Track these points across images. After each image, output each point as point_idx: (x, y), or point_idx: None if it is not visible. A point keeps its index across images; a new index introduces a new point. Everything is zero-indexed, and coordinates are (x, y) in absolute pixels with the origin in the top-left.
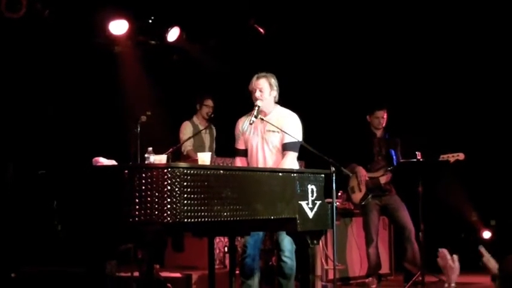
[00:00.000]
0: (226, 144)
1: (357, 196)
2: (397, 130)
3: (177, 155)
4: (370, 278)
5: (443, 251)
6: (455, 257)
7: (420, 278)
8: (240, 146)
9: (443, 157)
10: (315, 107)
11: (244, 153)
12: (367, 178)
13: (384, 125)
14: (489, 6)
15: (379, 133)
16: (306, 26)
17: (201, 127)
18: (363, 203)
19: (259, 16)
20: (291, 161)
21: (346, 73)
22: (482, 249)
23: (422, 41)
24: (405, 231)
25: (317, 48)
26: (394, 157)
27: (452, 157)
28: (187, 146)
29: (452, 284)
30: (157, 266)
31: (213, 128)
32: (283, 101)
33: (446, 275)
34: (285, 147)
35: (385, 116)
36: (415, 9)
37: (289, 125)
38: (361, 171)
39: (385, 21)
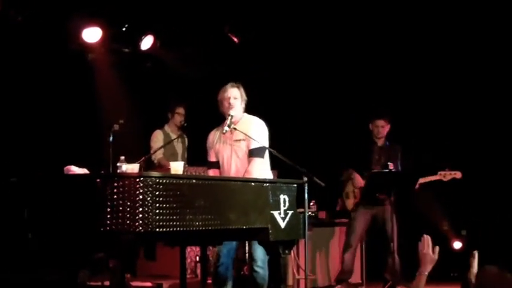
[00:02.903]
0: (199, 153)
1: (351, 202)
2: (398, 141)
3: (149, 164)
4: (339, 286)
5: (428, 238)
6: (437, 248)
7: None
8: (212, 158)
9: (441, 173)
10: (317, 111)
11: (216, 165)
12: (362, 186)
13: (384, 134)
14: (490, 23)
15: (380, 142)
16: (302, 29)
17: (173, 136)
18: (356, 210)
19: (235, 23)
20: (257, 167)
21: (354, 79)
22: (475, 258)
23: (420, 54)
24: (389, 245)
25: (325, 56)
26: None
27: (449, 175)
28: (158, 154)
29: (426, 273)
30: (129, 275)
31: (185, 137)
32: (280, 108)
33: (423, 263)
34: (250, 154)
35: (384, 126)
36: (417, 20)
37: (253, 130)
38: (358, 179)
39: (389, 32)
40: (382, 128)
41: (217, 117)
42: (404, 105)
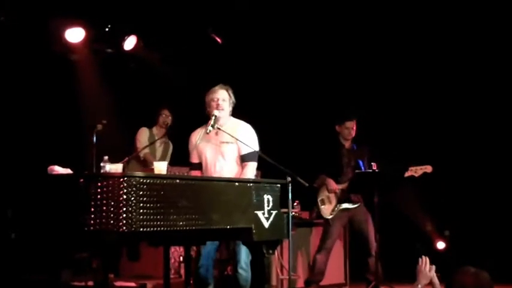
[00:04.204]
0: (182, 153)
1: (327, 208)
2: (363, 141)
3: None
4: None
5: (426, 259)
6: (433, 267)
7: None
8: (194, 159)
9: (412, 169)
10: (282, 118)
11: (198, 166)
12: (337, 190)
13: (353, 135)
14: (454, 19)
15: (347, 144)
16: (271, 34)
17: (157, 137)
18: (333, 215)
19: (217, 25)
20: (252, 172)
21: (314, 83)
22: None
23: (389, 52)
24: (368, 245)
25: (287, 58)
26: (362, 168)
27: (420, 170)
28: (145, 149)
29: (419, 286)
30: (112, 275)
31: (170, 144)
32: (248, 112)
33: (419, 279)
34: (244, 159)
35: (354, 127)
36: (385, 19)
37: (245, 135)
38: (331, 184)
39: (353, 34)
40: (352, 130)
41: (202, 116)
42: (367, 105)
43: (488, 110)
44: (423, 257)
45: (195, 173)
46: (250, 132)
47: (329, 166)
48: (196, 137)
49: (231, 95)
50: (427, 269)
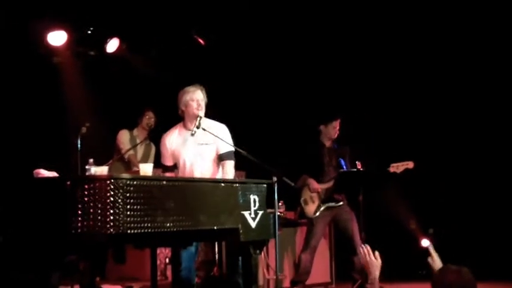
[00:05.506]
0: None
1: (310, 208)
2: (343, 139)
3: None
4: None
5: (366, 247)
6: (377, 252)
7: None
8: (168, 162)
9: (393, 165)
10: (264, 119)
11: (172, 168)
12: (319, 190)
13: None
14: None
15: (328, 143)
16: (254, 35)
17: (138, 139)
18: (316, 215)
19: (200, 27)
20: (232, 169)
21: (295, 83)
22: (431, 248)
23: (369, 51)
24: (352, 244)
25: (269, 60)
26: (344, 166)
27: (402, 166)
28: (129, 151)
29: (376, 279)
30: (98, 278)
31: (152, 145)
32: (231, 112)
33: (369, 271)
34: (223, 157)
35: (338, 126)
36: (363, 18)
37: (223, 135)
38: (313, 184)
39: (333, 34)
40: (337, 129)
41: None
42: (347, 104)
43: (471, 108)
44: (363, 246)
45: (170, 175)
46: (226, 131)
47: (310, 166)
48: (170, 139)
49: (205, 94)
50: (372, 257)
